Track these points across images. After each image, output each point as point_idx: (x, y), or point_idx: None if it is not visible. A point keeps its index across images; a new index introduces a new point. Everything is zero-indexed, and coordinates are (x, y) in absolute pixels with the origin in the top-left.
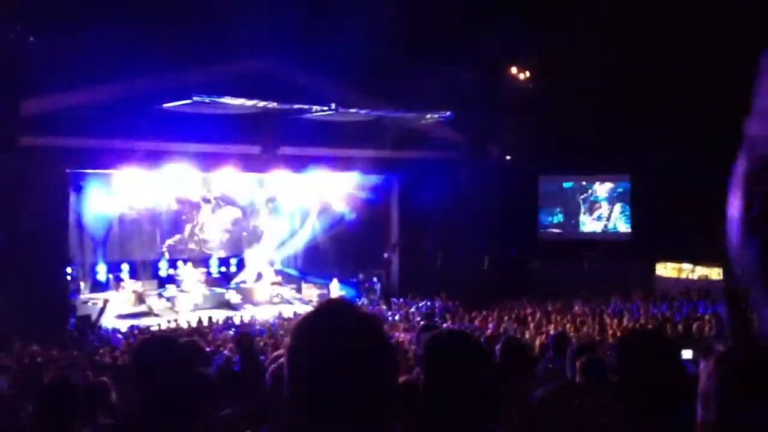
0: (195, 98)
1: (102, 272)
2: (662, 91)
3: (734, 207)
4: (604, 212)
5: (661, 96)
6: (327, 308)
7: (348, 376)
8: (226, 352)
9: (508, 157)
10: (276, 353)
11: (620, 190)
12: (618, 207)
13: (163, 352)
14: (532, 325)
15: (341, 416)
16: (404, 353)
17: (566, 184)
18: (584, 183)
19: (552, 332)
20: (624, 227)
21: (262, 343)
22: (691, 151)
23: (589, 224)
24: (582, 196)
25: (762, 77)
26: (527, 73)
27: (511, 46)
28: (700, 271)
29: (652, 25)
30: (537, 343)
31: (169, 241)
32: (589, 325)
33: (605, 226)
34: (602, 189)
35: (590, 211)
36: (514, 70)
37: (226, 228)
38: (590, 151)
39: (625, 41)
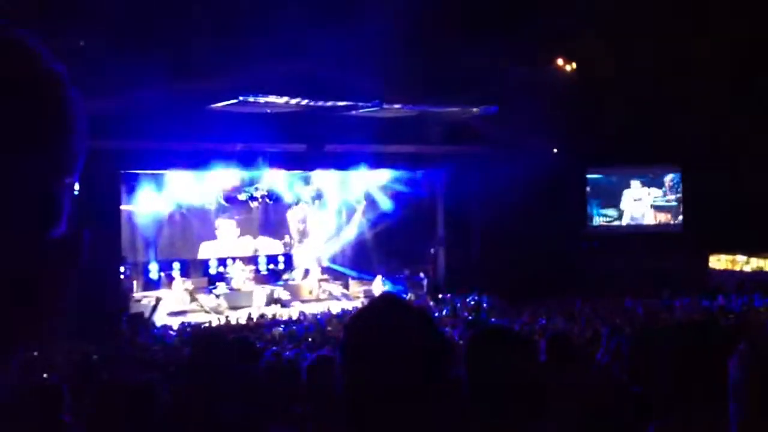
0: (241, 98)
1: (154, 271)
2: (715, 80)
3: None
4: (655, 203)
5: (714, 85)
6: (380, 303)
7: (405, 370)
8: (275, 348)
9: (555, 150)
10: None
11: (672, 181)
12: (670, 198)
13: (214, 347)
14: (582, 320)
15: (398, 409)
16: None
17: (615, 176)
18: (634, 174)
19: (602, 327)
20: (676, 219)
21: (310, 339)
22: (744, 140)
23: (640, 216)
24: (632, 188)
25: None
26: (574, 65)
27: (557, 36)
28: (754, 263)
29: (703, 11)
30: (587, 338)
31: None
32: (640, 319)
33: (657, 217)
34: (653, 180)
35: (641, 202)
36: (560, 61)
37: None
38: (640, 142)
39: (675, 29)
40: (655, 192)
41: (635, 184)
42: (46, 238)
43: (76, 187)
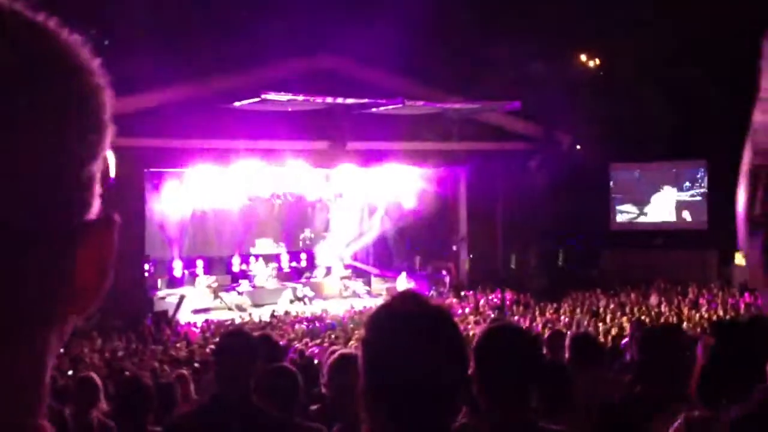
0: (264, 96)
1: (178, 268)
2: (737, 74)
3: (739, 203)
4: (680, 199)
5: (737, 79)
6: (400, 300)
7: (423, 366)
8: (298, 345)
9: (578, 147)
10: (332, 348)
11: (697, 177)
12: (695, 194)
13: (240, 345)
14: (607, 317)
15: (416, 404)
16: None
17: (639, 172)
18: (658, 170)
19: (627, 325)
20: (700, 215)
21: (333, 336)
22: None
23: (664, 212)
24: (655, 184)
25: (764, 63)
26: (597, 60)
27: (579, 32)
28: None
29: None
30: (611, 336)
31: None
32: (666, 316)
33: (681, 214)
34: (677, 176)
35: (666, 198)
36: (583, 57)
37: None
38: (663, 138)
39: (696, 23)
40: (681, 189)
41: (662, 180)
42: (74, 222)
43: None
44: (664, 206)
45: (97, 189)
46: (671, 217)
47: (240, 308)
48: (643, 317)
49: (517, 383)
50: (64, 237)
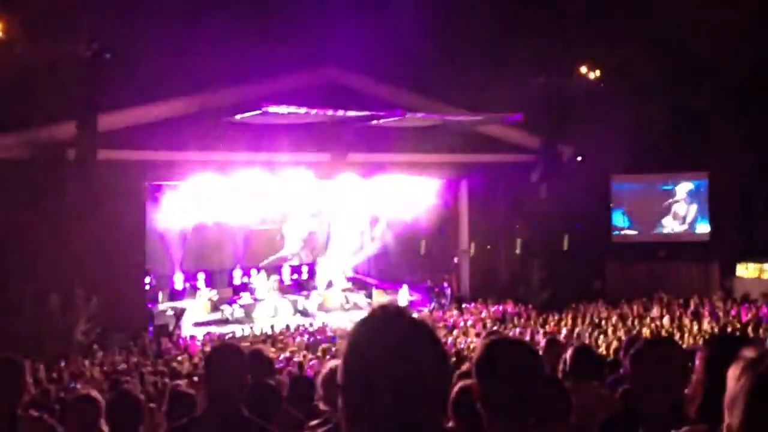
0: (265, 108)
1: (179, 281)
2: (740, 86)
3: None
4: (680, 212)
5: (739, 91)
6: (379, 314)
7: (402, 381)
8: (298, 358)
9: (579, 158)
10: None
11: (697, 188)
12: (695, 206)
13: (230, 360)
14: (608, 329)
15: (395, 419)
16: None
17: (640, 184)
18: (659, 182)
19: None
20: (702, 227)
21: (334, 349)
22: None
23: (665, 225)
24: (656, 196)
25: None
26: (597, 73)
27: (580, 45)
28: None
29: (726, 17)
30: (612, 348)
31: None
32: (667, 329)
33: (682, 226)
34: (679, 188)
35: (666, 211)
36: (583, 69)
37: (301, 236)
38: (665, 150)
39: (696, 35)
40: (681, 201)
41: (660, 191)
42: None
43: None
44: (666, 218)
45: None
46: (673, 229)
47: (241, 321)
48: (644, 329)
49: (518, 397)
50: None
